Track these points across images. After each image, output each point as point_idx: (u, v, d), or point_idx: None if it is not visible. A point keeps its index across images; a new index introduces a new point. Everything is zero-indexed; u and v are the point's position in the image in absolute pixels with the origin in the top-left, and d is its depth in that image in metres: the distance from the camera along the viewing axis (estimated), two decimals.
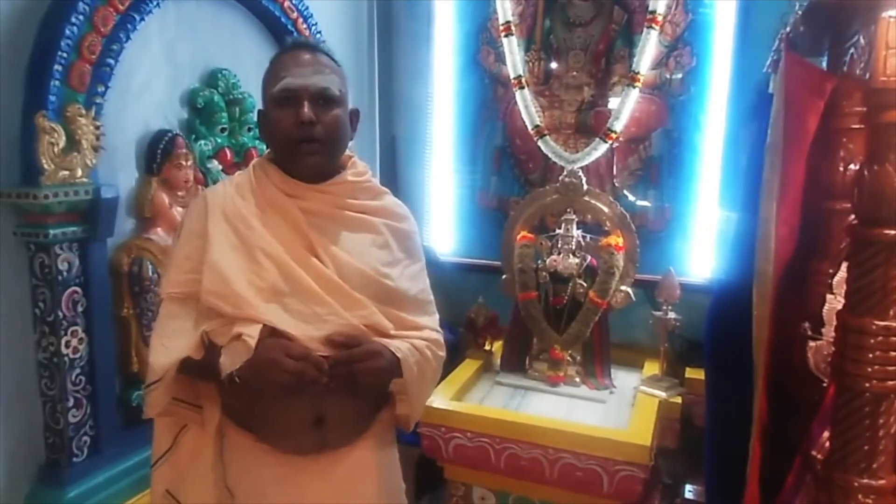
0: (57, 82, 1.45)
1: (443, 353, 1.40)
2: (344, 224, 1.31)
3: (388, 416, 1.41)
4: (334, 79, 1.27)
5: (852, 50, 1.19)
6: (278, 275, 1.22)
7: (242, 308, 1.19)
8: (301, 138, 1.23)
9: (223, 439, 1.31)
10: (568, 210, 2.43)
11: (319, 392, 1.20)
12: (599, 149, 2.44)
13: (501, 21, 2.55)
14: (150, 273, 1.69)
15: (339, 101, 1.27)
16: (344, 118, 1.29)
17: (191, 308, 1.24)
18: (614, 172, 2.69)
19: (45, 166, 1.43)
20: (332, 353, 1.21)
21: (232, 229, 1.25)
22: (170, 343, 1.23)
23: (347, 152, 1.38)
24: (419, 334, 1.35)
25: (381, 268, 1.31)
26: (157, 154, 1.73)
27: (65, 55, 1.46)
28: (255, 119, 1.35)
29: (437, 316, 1.44)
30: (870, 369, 0.94)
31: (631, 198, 2.67)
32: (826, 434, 1.11)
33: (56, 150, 1.45)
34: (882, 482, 0.95)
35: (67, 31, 1.45)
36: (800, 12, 1.24)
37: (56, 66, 1.44)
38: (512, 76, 2.55)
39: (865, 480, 0.95)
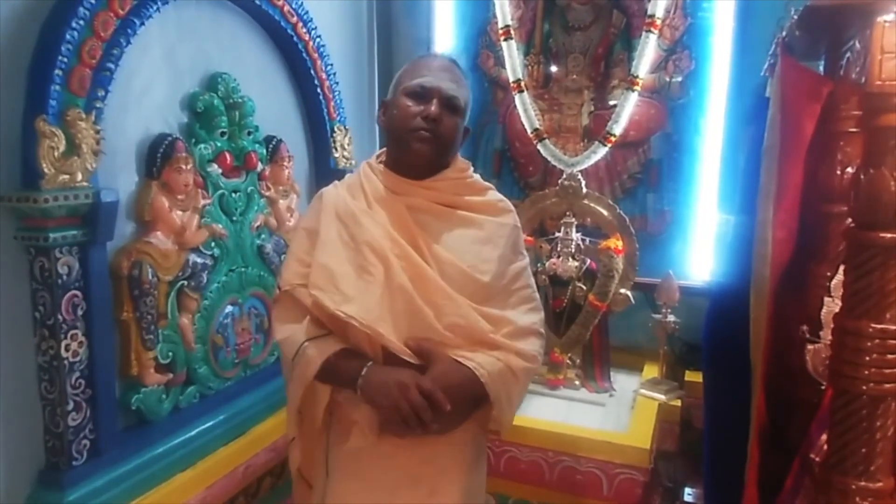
0: (57, 87, 1.45)
1: (536, 365, 1.39)
2: (447, 220, 1.36)
3: (483, 415, 1.39)
4: (464, 92, 1.40)
5: (848, 54, 1.20)
6: (382, 271, 1.28)
7: (345, 310, 1.25)
8: (420, 128, 1.32)
9: (331, 417, 1.41)
10: (567, 213, 2.44)
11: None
12: (599, 152, 2.44)
13: (501, 25, 2.56)
14: (150, 276, 1.70)
15: (461, 113, 1.39)
16: (460, 127, 1.41)
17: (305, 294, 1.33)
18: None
19: (46, 170, 1.43)
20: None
21: (343, 226, 1.33)
22: (293, 328, 1.36)
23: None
24: (519, 347, 1.33)
25: (480, 264, 1.34)
26: (157, 158, 1.73)
27: (65, 60, 1.46)
28: (378, 108, 1.48)
29: (541, 314, 1.43)
30: (867, 372, 0.94)
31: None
32: (824, 437, 1.11)
33: (56, 154, 1.45)
34: (880, 484, 0.96)
35: (68, 36, 1.45)
36: (796, 17, 1.25)
37: (56, 71, 1.44)
38: (511, 80, 2.56)
39: (863, 483, 0.95)
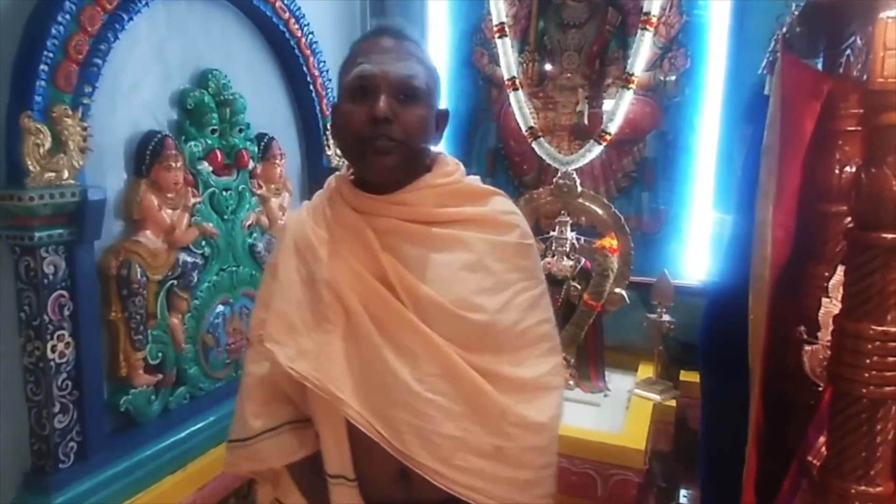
0: (43, 82, 1.43)
1: (548, 436, 1.06)
2: (426, 244, 1.05)
3: None
4: (420, 69, 1.05)
5: (848, 51, 1.18)
6: (344, 318, 1.03)
7: (298, 368, 1.01)
8: (373, 137, 1.01)
9: None
10: (562, 212, 2.42)
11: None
12: (593, 151, 2.43)
13: (495, 22, 2.54)
14: (139, 276, 1.67)
15: (423, 97, 1.04)
16: (428, 119, 1.06)
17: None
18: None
19: (31, 168, 1.40)
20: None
21: (302, 262, 1.08)
22: (260, 409, 1.11)
23: (435, 149, 1.16)
24: (526, 418, 1.02)
25: (471, 298, 1.03)
26: (146, 155, 1.71)
27: (51, 55, 1.43)
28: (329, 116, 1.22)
29: (559, 355, 1.14)
30: (867, 375, 0.93)
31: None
32: (822, 439, 1.10)
33: (42, 151, 1.42)
34: (879, 489, 0.94)
35: (53, 31, 1.43)
36: (797, 13, 1.23)
37: (42, 66, 1.42)
38: (506, 77, 2.54)
39: (863, 487, 0.94)
